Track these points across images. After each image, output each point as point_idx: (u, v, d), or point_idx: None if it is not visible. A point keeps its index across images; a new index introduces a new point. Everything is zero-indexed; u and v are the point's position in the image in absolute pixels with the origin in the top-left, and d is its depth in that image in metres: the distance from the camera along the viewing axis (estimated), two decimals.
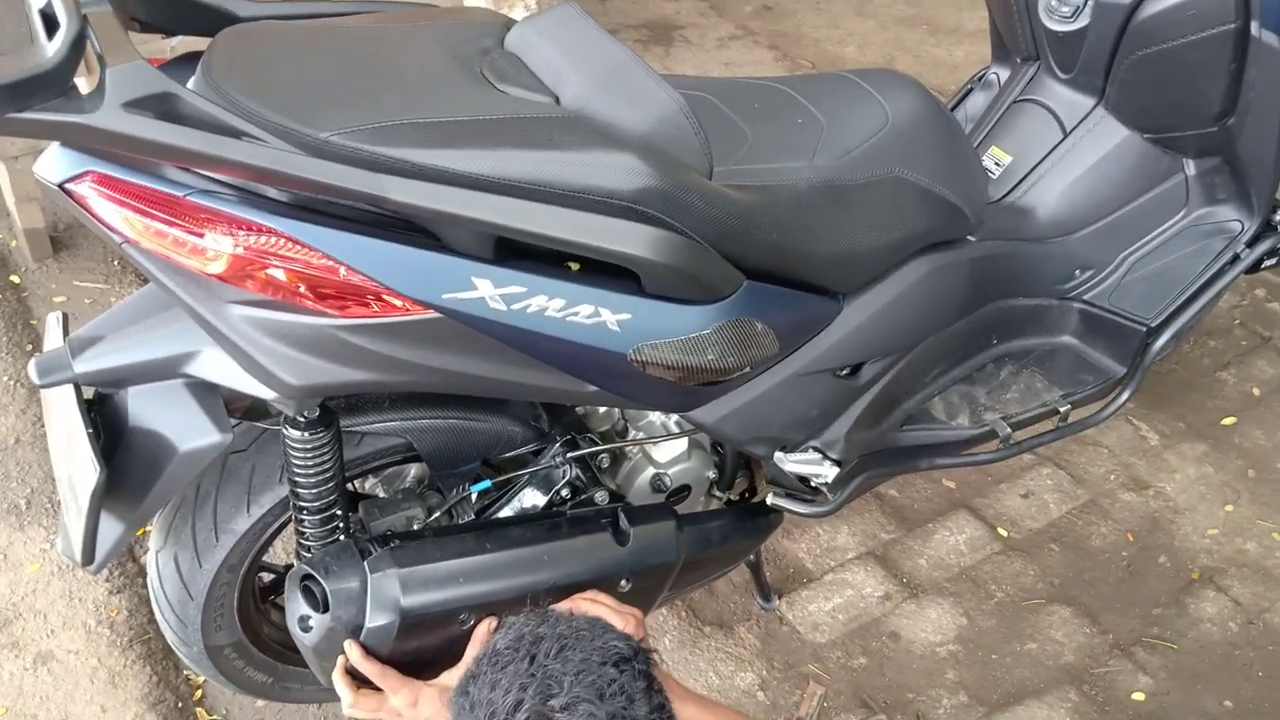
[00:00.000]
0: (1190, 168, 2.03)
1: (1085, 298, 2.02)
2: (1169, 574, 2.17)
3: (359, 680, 1.28)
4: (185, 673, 1.95)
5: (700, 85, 1.62)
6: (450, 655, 1.30)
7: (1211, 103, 1.88)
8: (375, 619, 1.27)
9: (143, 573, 2.09)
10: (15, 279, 2.76)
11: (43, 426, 2.32)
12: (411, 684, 1.26)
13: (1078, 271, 2.01)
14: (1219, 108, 1.89)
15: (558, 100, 1.27)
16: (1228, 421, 2.50)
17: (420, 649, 1.29)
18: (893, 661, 2.00)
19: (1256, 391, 2.58)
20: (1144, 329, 1.97)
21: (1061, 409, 1.94)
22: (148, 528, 1.77)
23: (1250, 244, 2.00)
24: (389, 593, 1.28)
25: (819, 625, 2.05)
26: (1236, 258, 2.00)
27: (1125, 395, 1.98)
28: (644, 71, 1.29)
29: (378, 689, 1.26)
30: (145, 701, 1.87)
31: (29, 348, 2.54)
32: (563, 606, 1.29)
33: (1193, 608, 2.10)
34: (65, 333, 1.34)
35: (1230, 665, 2.01)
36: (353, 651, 1.26)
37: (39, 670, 1.91)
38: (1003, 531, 2.24)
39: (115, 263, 2.81)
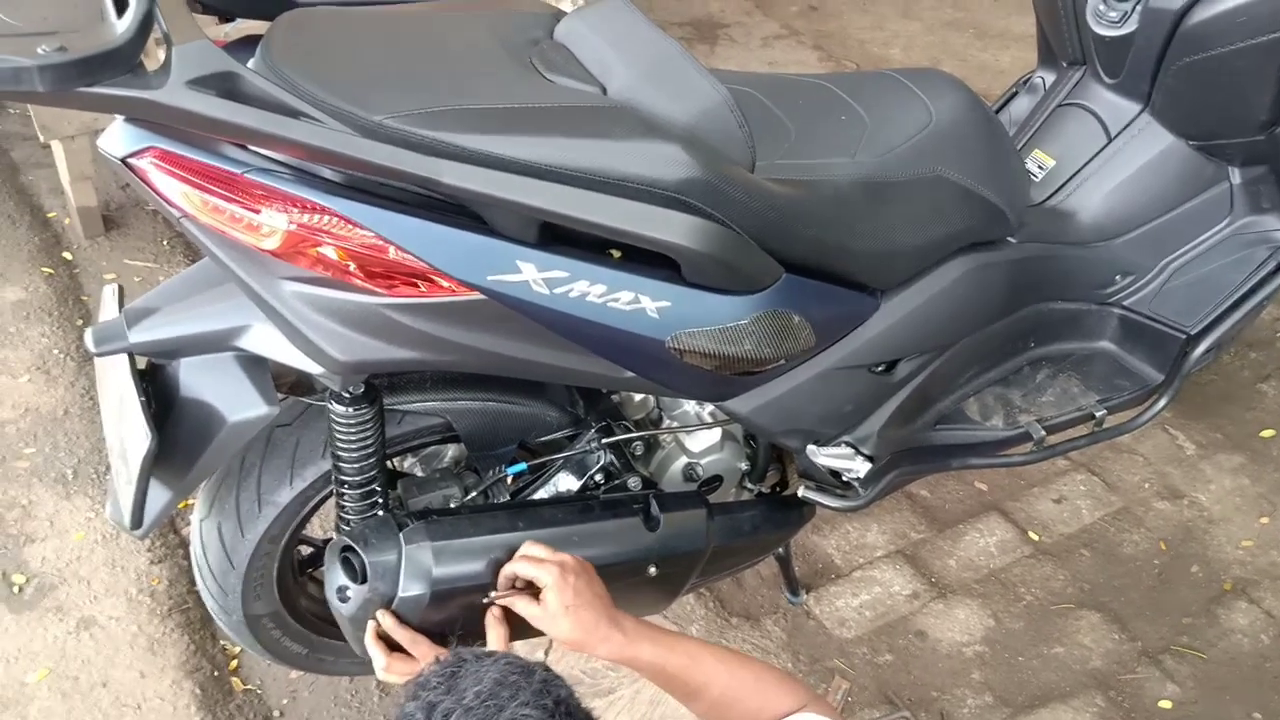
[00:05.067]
0: (1235, 176, 2.01)
1: (1125, 303, 2.01)
2: (1201, 584, 2.16)
3: (392, 647, 1.31)
4: (222, 643, 1.99)
5: (745, 80, 1.63)
6: (481, 626, 1.33)
7: (1259, 111, 1.87)
8: (408, 588, 1.30)
9: (183, 544, 2.14)
10: (68, 255, 2.83)
11: (90, 399, 2.38)
12: (442, 652, 1.29)
13: (1118, 277, 2.00)
14: (1267, 116, 1.87)
15: (605, 90, 1.29)
16: (1266, 434, 2.48)
17: (451, 619, 1.32)
18: (918, 660, 2.00)
19: None
20: (1183, 337, 1.95)
21: (1097, 414, 1.93)
22: (191, 499, 1.81)
23: None
24: (422, 563, 1.30)
25: (846, 621, 2.06)
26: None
27: (1162, 403, 1.97)
28: (690, 64, 1.30)
29: (410, 655, 1.29)
30: (183, 669, 1.92)
31: (79, 322, 2.61)
32: (508, 571, 1.29)
33: (1224, 618, 2.09)
34: (120, 304, 1.38)
35: (1260, 677, 2.00)
36: (385, 619, 1.29)
37: (81, 634, 1.96)
38: (1034, 535, 2.24)
39: (164, 242, 2.87)
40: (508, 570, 1.30)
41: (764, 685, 1.20)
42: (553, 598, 1.23)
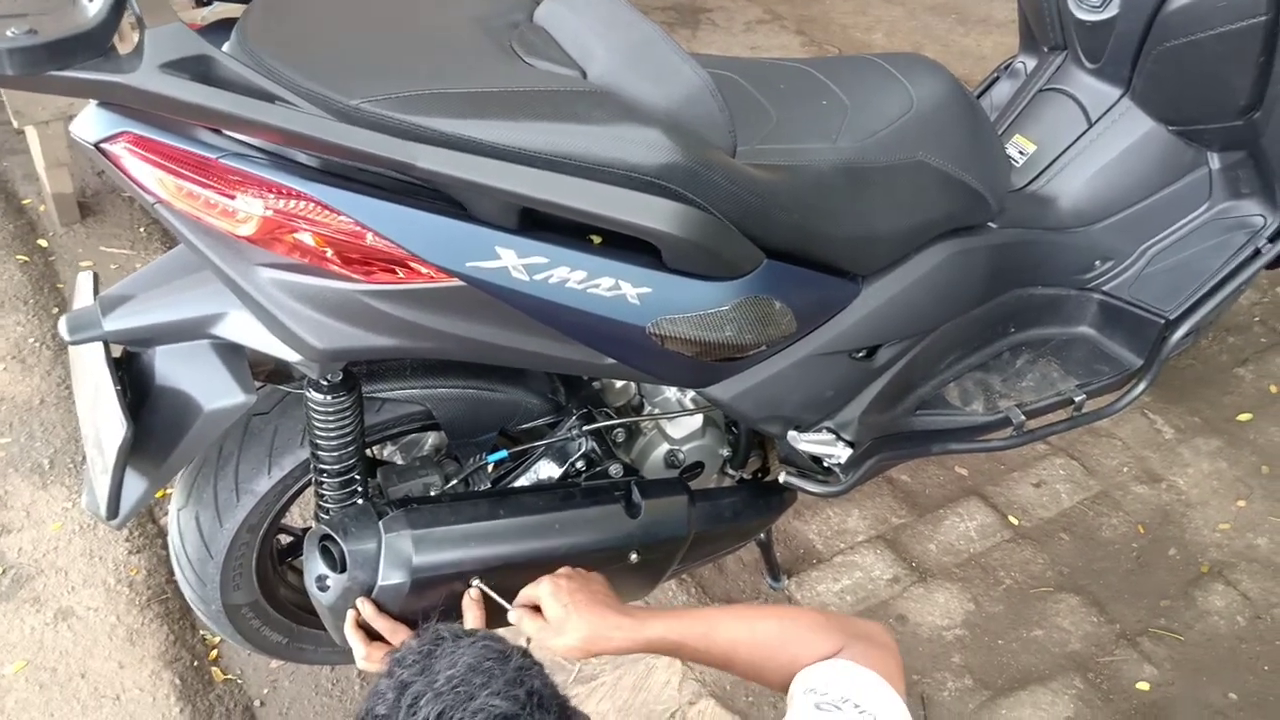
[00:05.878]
0: (1214, 161, 2.02)
1: (1104, 288, 2.01)
2: (1178, 566, 2.18)
3: (372, 635, 1.30)
4: (201, 632, 1.98)
5: (726, 65, 1.62)
6: (462, 614, 1.32)
7: (1238, 96, 1.88)
8: (388, 577, 1.29)
9: (162, 533, 2.12)
10: (43, 243, 2.80)
11: (66, 388, 2.36)
12: None
13: (1098, 262, 2.01)
14: (1246, 101, 1.88)
15: (585, 74, 1.28)
16: (1243, 417, 2.50)
17: (432, 608, 1.32)
18: (899, 644, 2.00)
19: (1274, 389, 2.57)
20: (1162, 321, 1.96)
21: (1076, 399, 1.94)
22: (168, 489, 1.79)
23: (1272, 239, 1.99)
24: (402, 552, 1.30)
25: (827, 605, 2.06)
26: (1258, 253, 1.99)
27: (1141, 387, 1.98)
28: (671, 48, 1.30)
29: (390, 644, 1.29)
30: (162, 659, 1.91)
31: (55, 310, 2.58)
32: (521, 600, 1.28)
33: (1201, 600, 2.11)
34: (95, 291, 1.36)
35: (1236, 658, 2.02)
36: (365, 608, 1.29)
37: (59, 625, 1.95)
38: (1013, 519, 2.25)
39: (141, 229, 2.84)
40: (519, 600, 1.29)
41: (789, 636, 1.15)
42: (550, 603, 1.22)
